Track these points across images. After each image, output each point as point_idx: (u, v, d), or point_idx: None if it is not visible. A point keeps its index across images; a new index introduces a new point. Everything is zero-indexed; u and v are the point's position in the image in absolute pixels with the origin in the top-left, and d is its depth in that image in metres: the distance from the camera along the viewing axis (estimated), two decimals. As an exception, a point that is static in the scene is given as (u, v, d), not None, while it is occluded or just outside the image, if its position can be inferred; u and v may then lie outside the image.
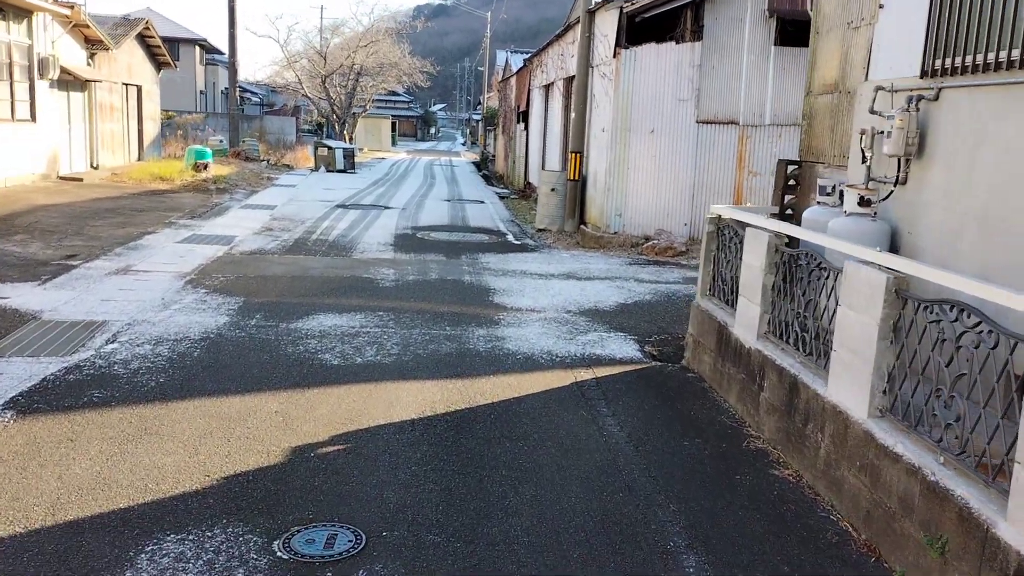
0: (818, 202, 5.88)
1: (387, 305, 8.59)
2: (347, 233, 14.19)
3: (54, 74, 19.25)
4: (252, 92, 71.52)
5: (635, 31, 13.63)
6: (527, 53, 31.96)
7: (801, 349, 5.01)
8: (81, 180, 19.99)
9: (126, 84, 25.57)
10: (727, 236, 6.51)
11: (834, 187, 5.74)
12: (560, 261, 12.29)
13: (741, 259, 6.08)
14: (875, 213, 5.31)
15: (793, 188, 7.05)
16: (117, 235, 12.41)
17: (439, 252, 12.53)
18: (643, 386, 6.29)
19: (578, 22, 15.75)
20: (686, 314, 8.65)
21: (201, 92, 55.56)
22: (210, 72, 57.54)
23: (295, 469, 4.47)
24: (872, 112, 5.50)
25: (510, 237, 14.92)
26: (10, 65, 17.66)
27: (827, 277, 4.75)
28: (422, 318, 8.09)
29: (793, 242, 5.58)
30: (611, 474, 4.60)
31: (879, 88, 5.51)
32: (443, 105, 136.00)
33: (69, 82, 20.86)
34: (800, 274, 5.12)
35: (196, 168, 22.72)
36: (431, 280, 10.16)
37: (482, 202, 22.05)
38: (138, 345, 6.66)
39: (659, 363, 6.99)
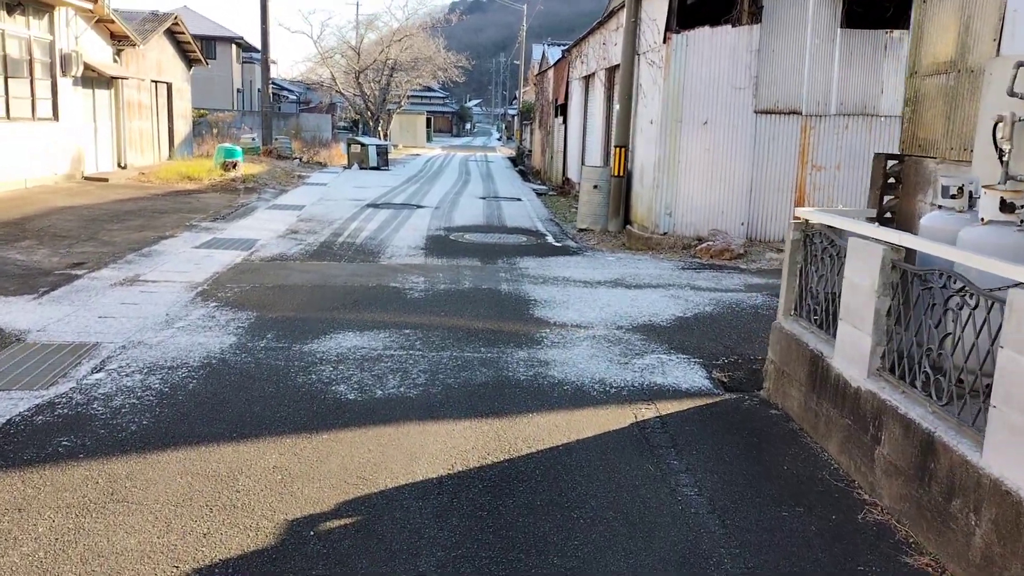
0: (939, 206, 4.77)
1: (414, 321, 7.61)
2: (376, 235, 13.26)
3: (77, 71, 18.60)
4: (289, 90, 71.28)
5: (687, 14, 12.51)
6: (564, 45, 30.84)
7: (935, 396, 3.92)
8: (106, 180, 19.34)
9: (155, 81, 24.95)
10: (818, 245, 5.43)
11: (961, 188, 4.62)
12: (606, 265, 11.23)
13: (839, 274, 5.00)
14: (1022, 221, 4.20)
15: (893, 187, 5.93)
16: (132, 240, 11.61)
17: (473, 256, 11.54)
18: (719, 428, 5.23)
19: (622, 7, 14.66)
20: (755, 330, 7.57)
21: (238, 90, 55.29)
22: (247, 70, 57.22)
23: (288, 556, 3.49)
24: (1013, 95, 4.38)
25: (550, 238, 13.88)
26: (30, 62, 17.02)
27: (974, 305, 3.66)
28: (454, 337, 7.10)
29: (908, 255, 4.49)
30: (695, 564, 3.56)
31: (1021, 64, 4.39)
32: (478, 100, 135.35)
33: (94, 79, 20.23)
34: (930, 298, 4.03)
35: (225, 167, 22.00)
36: (464, 290, 9.17)
37: (519, 199, 21.05)
38: (127, 375, 5.76)
39: (732, 395, 5.92)
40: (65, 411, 5.04)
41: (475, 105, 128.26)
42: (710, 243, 12.08)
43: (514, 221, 16.11)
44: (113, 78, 21.19)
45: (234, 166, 22.09)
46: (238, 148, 23.45)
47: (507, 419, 5.22)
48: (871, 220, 5.80)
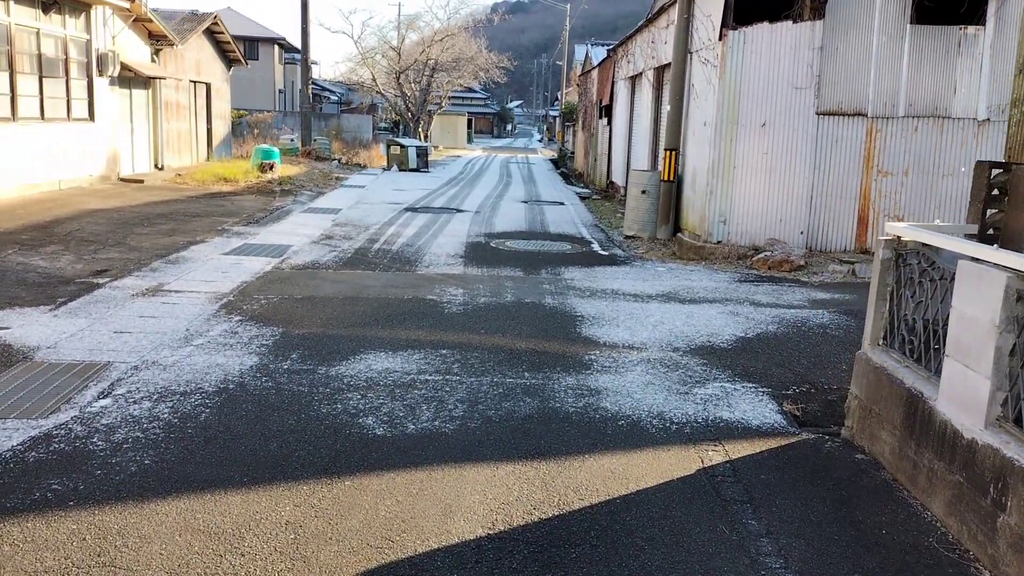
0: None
1: (452, 339, 7.01)
2: (413, 242, 12.71)
3: (114, 71, 18.36)
4: (331, 91, 71.42)
5: (744, 9, 11.76)
6: (608, 45, 30.11)
7: (1084, 461, 3.21)
8: (142, 182, 19.09)
9: (194, 82, 24.76)
10: (914, 267, 4.71)
11: (1100, 202, 3.89)
12: (656, 277, 10.53)
13: (943, 302, 4.29)
14: None
15: (997, 199, 5.18)
16: (160, 245, 11.19)
17: (515, 266, 10.91)
18: (799, 477, 4.54)
19: (673, 3, 13.95)
20: (826, 354, 6.86)
21: (280, 91, 55.42)
22: (289, 71, 57.32)
23: (295, 649, 2.90)
24: None
25: (595, 246, 13.21)
26: (66, 61, 16.78)
27: None
28: (494, 359, 6.48)
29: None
30: (791, 669, 2.90)
31: None
32: (520, 102, 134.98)
33: (131, 79, 20.01)
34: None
35: (262, 169, 21.66)
36: (506, 304, 8.55)
37: (562, 204, 20.39)
38: (135, 401, 5.23)
39: (809, 433, 5.22)
40: (62, 446, 4.51)
41: (516, 106, 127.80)
42: (767, 253, 11.31)
43: (557, 227, 15.46)
44: (150, 78, 20.97)
45: (271, 168, 21.74)
46: (275, 149, 23.11)
47: (555, 462, 4.58)
48: (970, 236, 5.06)
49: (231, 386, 5.60)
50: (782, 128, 11.81)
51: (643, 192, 13.96)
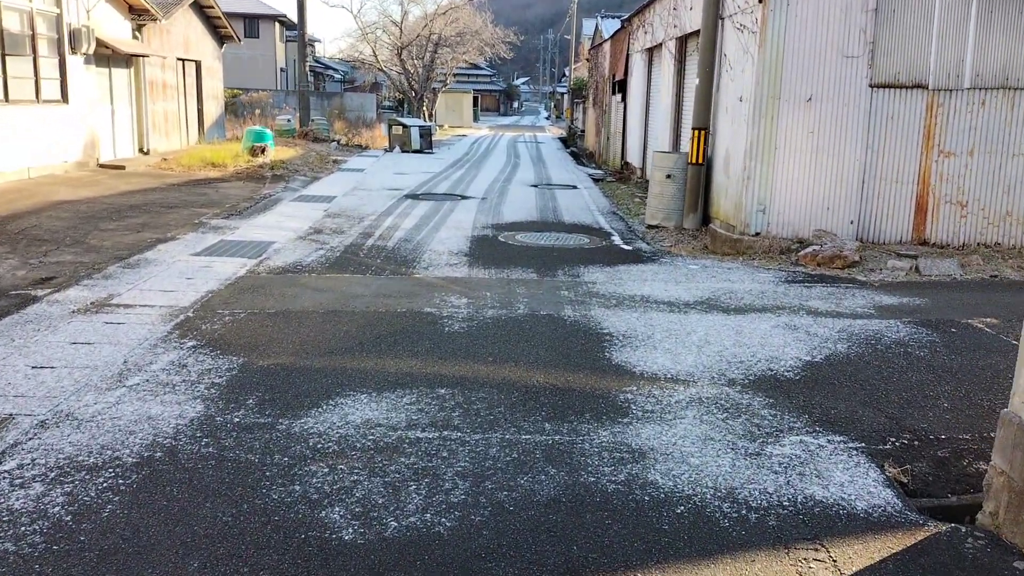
0: None
1: (452, 372, 5.63)
2: (412, 236, 11.31)
3: (89, 48, 16.94)
4: (334, 69, 69.75)
5: (786, -34, 10.24)
6: (620, 16, 28.46)
7: None
8: (123, 168, 17.73)
9: (182, 60, 23.31)
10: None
11: None
12: (690, 277, 9.12)
13: None
14: None
15: None
16: (124, 244, 9.83)
17: (528, 265, 9.51)
18: (947, 609, 3.16)
19: (701, -37, 12.42)
20: (918, 386, 5.50)
21: (282, 70, 53.85)
22: (291, 49, 55.63)
23: None
24: None
25: (616, 239, 11.79)
26: (33, 37, 15.36)
27: None
28: (506, 401, 5.10)
29: None
30: None
31: None
32: (526, 79, 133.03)
33: (110, 57, 18.58)
34: None
35: (253, 152, 20.25)
36: (518, 318, 7.16)
37: (574, 187, 18.94)
38: (22, 484, 3.88)
39: (938, 525, 3.83)
40: None
41: (523, 83, 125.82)
42: (816, 248, 9.87)
43: (572, 216, 14.02)
44: (132, 56, 19.54)
45: (263, 151, 20.33)
46: (268, 131, 21.68)
47: (595, 585, 3.21)
48: None
49: (158, 454, 4.23)
50: (830, 103, 10.33)
51: (668, 177, 12.51)
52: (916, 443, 4.75)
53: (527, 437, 4.58)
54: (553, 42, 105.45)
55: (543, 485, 4.02)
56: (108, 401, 4.94)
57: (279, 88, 49.54)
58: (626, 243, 11.41)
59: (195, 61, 24.29)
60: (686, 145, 13.75)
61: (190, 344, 6.11)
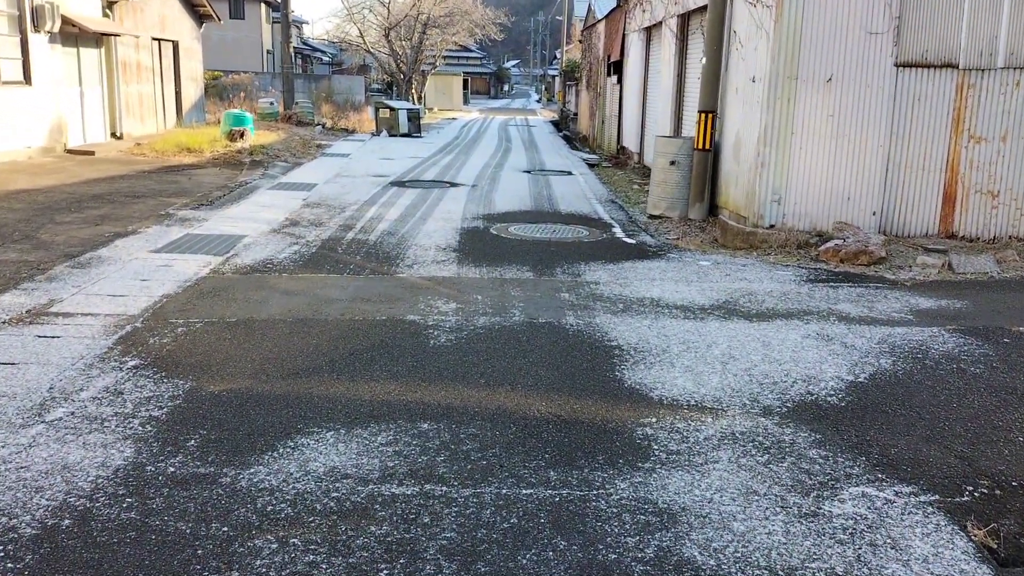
0: None
1: (438, 400, 4.77)
2: (396, 229, 10.41)
3: (53, 26, 15.92)
4: (322, 51, 68.48)
5: (805, -67, 9.34)
6: (615, -5, 27.44)
7: None
8: (92, 153, 16.74)
9: (158, 39, 22.21)
10: None
11: None
12: (702, 276, 8.27)
13: None
14: None
15: None
16: (78, 239, 8.92)
17: (523, 263, 8.64)
18: None
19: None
20: (983, 412, 4.69)
21: (268, 51, 52.59)
22: (277, 31, 54.18)
23: None
24: None
25: (618, 231, 10.91)
26: (-11, 14, 14.31)
27: None
28: (501, 440, 4.25)
29: None
30: None
31: None
32: (516, 61, 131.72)
33: (78, 36, 17.52)
34: None
35: (231, 137, 19.25)
36: (513, 327, 6.29)
37: (569, 173, 18.04)
38: None
39: (1053, 613, 3.01)
40: None
41: (513, 66, 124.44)
42: (838, 242, 9.03)
43: (568, 204, 13.14)
44: (103, 35, 18.47)
45: (241, 135, 19.33)
46: (248, 115, 20.66)
47: None
48: None
49: (66, 522, 3.36)
50: (852, 84, 9.46)
51: (672, 163, 11.63)
52: (998, 492, 3.92)
53: (528, 492, 3.72)
54: (544, 24, 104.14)
55: (551, 567, 3.16)
56: (19, 443, 4.06)
57: (265, 70, 48.32)
58: (629, 236, 10.53)
59: (172, 41, 23.21)
60: (689, 129, 12.88)
61: (131, 364, 5.23)
